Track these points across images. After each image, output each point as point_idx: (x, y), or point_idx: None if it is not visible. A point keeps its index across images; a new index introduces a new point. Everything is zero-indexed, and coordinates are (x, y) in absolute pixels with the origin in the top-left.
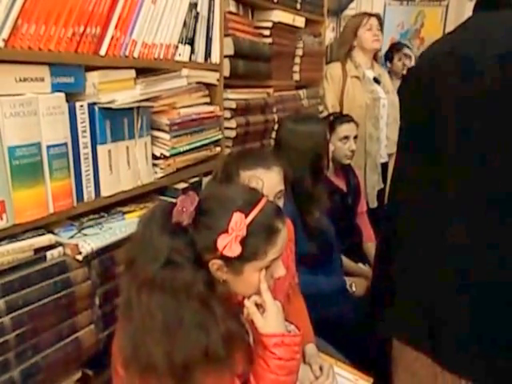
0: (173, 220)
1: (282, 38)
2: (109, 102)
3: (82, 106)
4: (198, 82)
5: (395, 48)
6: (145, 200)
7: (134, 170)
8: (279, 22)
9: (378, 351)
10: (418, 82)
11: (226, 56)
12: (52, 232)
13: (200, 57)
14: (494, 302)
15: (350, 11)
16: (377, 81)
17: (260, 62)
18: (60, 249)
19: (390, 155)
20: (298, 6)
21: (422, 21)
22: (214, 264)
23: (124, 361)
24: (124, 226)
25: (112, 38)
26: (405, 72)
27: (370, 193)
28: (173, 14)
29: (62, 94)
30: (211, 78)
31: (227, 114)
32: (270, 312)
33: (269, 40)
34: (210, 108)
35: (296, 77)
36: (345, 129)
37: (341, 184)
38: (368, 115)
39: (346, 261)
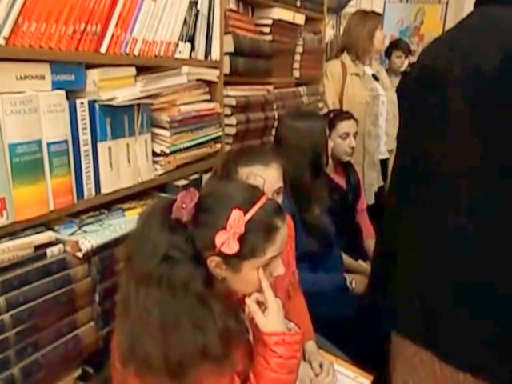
0: (172, 216)
1: (282, 35)
2: (109, 100)
3: (82, 103)
4: (198, 80)
5: (394, 46)
6: (145, 197)
7: (134, 166)
8: (279, 20)
9: (378, 348)
10: (418, 80)
11: (226, 53)
12: (52, 229)
13: (200, 54)
14: (491, 296)
15: (350, 8)
16: (375, 78)
17: (260, 59)
18: (60, 246)
19: (390, 151)
20: (298, 4)
21: (421, 18)
22: (213, 261)
23: (121, 357)
24: (124, 222)
25: (112, 35)
26: (402, 69)
27: (368, 190)
28: (173, 12)
29: (63, 92)
30: (211, 75)
31: (227, 111)
32: (272, 310)
33: (269, 37)
34: (210, 105)
35: (296, 74)
36: (345, 126)
37: (341, 181)
38: (367, 112)
39: (345, 258)
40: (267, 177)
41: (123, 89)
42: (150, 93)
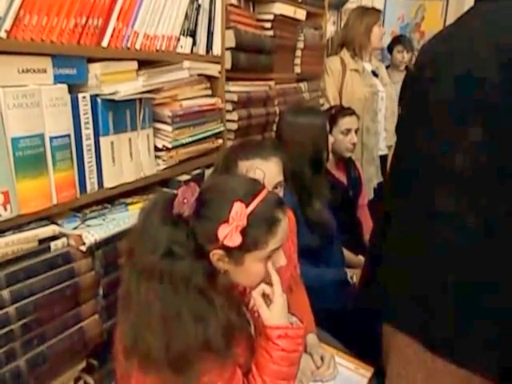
0: (174, 211)
1: (284, 30)
2: (111, 94)
3: (84, 97)
4: (199, 75)
5: (396, 41)
6: (147, 192)
7: (136, 161)
8: (280, 15)
9: (378, 341)
10: (414, 78)
11: (227, 48)
12: (55, 223)
13: (202, 49)
14: (482, 287)
15: (351, 4)
16: (375, 74)
17: (261, 54)
18: (64, 239)
19: (389, 147)
20: None
21: (422, 14)
22: (215, 254)
23: (124, 350)
24: (127, 217)
25: (114, 29)
26: (404, 64)
27: (367, 185)
28: (174, 6)
29: (65, 86)
30: (213, 70)
31: (229, 107)
32: (277, 304)
33: (270, 33)
34: (212, 100)
35: (297, 70)
36: (346, 122)
37: (342, 177)
38: (366, 108)
39: (346, 253)
40: (267, 171)
41: (125, 83)
42: (151, 87)
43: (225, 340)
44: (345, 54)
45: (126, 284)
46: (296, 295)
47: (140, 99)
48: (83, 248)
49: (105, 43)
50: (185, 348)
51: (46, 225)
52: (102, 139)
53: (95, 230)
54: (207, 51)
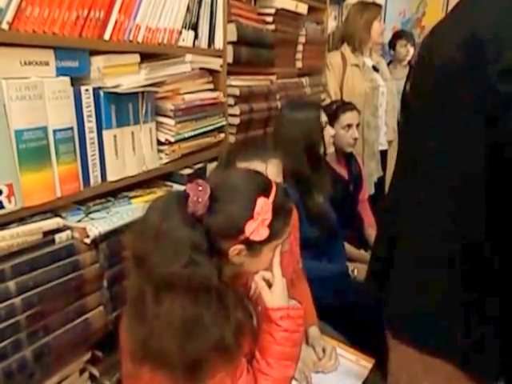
0: (189, 210)
1: (285, 24)
2: (114, 87)
3: (87, 90)
4: (201, 68)
5: (397, 35)
6: (150, 185)
7: (139, 155)
8: (282, 9)
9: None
10: (418, 68)
11: (229, 42)
12: (59, 216)
13: (203, 42)
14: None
15: None
16: (375, 69)
17: (263, 48)
18: (68, 232)
19: (389, 142)
20: None
21: (423, 9)
22: (235, 250)
23: (135, 355)
24: (131, 210)
25: (116, 22)
26: (408, 58)
27: (367, 180)
28: None
29: (67, 78)
30: (215, 63)
31: (231, 101)
32: (277, 287)
33: (272, 27)
34: (214, 94)
35: (299, 64)
36: (348, 117)
37: (343, 172)
38: (367, 103)
39: (347, 247)
40: (265, 173)
41: (128, 76)
42: (154, 80)
43: (236, 338)
44: (345, 48)
45: (137, 292)
46: (298, 288)
47: (142, 93)
48: (87, 240)
49: (107, 36)
50: (201, 351)
51: (50, 217)
52: (104, 132)
53: (99, 223)
54: (209, 45)
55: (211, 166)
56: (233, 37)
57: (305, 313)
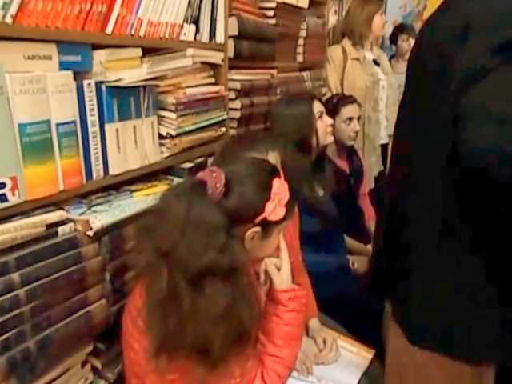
0: (209, 197)
1: (286, 18)
2: (116, 81)
3: (89, 84)
4: (202, 63)
5: (399, 30)
6: (151, 179)
7: (141, 149)
8: (283, 3)
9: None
10: (412, 58)
11: (230, 36)
12: (62, 209)
13: (205, 37)
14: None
15: None
16: (376, 63)
17: (264, 43)
18: (71, 225)
19: (390, 136)
20: None
21: (424, 2)
22: (251, 233)
23: (160, 349)
24: (132, 203)
25: (118, 16)
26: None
27: (368, 174)
28: None
29: (70, 72)
30: (216, 57)
31: (232, 95)
32: (285, 269)
33: (273, 21)
34: (215, 88)
35: (299, 58)
36: (348, 110)
37: (343, 165)
38: (368, 97)
39: (348, 240)
40: None
41: (129, 70)
42: (156, 74)
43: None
44: (346, 42)
45: (164, 286)
46: (298, 282)
47: (144, 87)
48: (90, 233)
49: (109, 30)
50: (231, 336)
51: (53, 210)
52: (107, 126)
53: (102, 216)
54: (210, 39)
55: (211, 160)
56: (234, 31)
57: (307, 292)
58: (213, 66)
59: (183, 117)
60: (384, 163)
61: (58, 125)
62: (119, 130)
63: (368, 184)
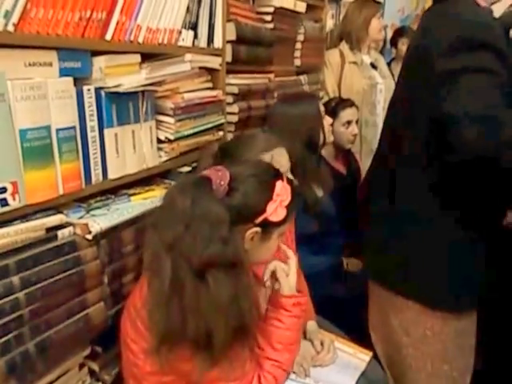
0: (214, 193)
1: (284, 23)
2: (115, 87)
3: (89, 90)
4: (200, 67)
5: (399, 33)
6: (150, 183)
7: (139, 153)
8: (280, 7)
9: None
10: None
11: (228, 41)
12: (61, 213)
13: (203, 42)
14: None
15: None
16: (373, 66)
17: (261, 47)
18: (70, 228)
19: None
20: None
21: (423, 5)
22: (251, 233)
23: (163, 338)
24: (130, 207)
25: (117, 22)
26: None
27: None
28: None
29: (70, 79)
30: (214, 62)
31: (229, 99)
32: (292, 276)
33: (270, 25)
34: (213, 92)
35: (297, 62)
36: (347, 114)
37: (341, 168)
38: (365, 101)
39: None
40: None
41: (129, 76)
42: (154, 80)
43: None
44: (344, 46)
45: (167, 278)
46: (297, 286)
47: (143, 92)
48: (89, 236)
49: (108, 36)
50: (233, 328)
51: (53, 214)
52: (106, 131)
53: (100, 219)
54: (208, 44)
55: (206, 153)
56: (232, 36)
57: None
58: (211, 71)
59: (181, 121)
60: None
61: (58, 130)
62: (118, 135)
63: None
